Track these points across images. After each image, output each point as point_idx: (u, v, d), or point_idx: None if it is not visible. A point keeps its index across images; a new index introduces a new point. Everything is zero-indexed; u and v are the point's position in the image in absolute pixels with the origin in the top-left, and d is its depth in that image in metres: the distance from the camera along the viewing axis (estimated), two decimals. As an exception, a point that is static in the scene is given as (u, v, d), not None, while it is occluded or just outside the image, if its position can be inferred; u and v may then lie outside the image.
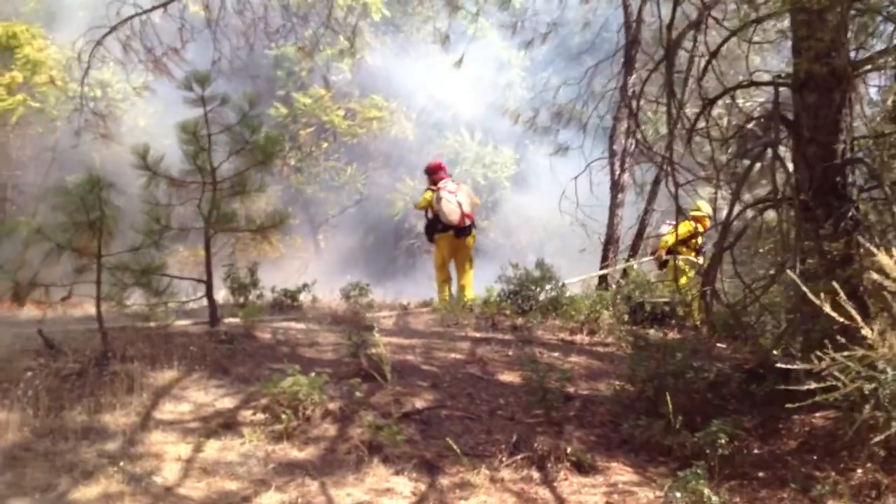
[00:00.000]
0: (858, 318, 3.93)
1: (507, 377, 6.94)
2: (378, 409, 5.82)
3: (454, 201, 11.07)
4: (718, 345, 6.53)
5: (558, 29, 15.82)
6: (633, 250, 13.94)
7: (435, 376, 6.65)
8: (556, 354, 7.80)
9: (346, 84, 23.63)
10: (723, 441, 5.12)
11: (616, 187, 13.87)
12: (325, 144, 23.78)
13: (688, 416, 5.50)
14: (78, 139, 11.68)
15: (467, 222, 11.21)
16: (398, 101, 23.73)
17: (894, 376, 4.11)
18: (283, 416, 5.43)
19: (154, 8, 8.45)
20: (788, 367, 4.83)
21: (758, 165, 6.52)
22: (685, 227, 11.14)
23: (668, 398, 5.45)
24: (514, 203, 23.59)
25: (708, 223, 11.24)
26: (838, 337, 5.53)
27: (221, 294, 9.35)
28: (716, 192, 6.06)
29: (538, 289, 9.56)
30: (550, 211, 18.93)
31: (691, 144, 6.94)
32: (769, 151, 5.93)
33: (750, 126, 6.37)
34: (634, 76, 14.07)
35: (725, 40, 6.68)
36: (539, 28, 15.72)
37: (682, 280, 10.28)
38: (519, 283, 9.72)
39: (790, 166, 6.08)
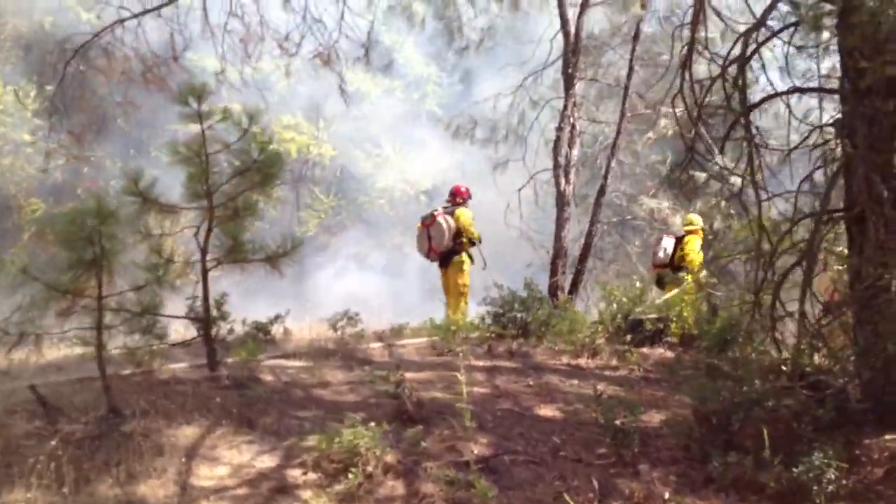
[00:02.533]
0: None
1: (546, 411, 6.45)
2: (436, 459, 5.23)
3: (424, 235, 10.99)
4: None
5: (490, 35, 15.39)
6: (581, 262, 13.70)
7: (475, 415, 6.05)
8: (574, 382, 7.37)
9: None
10: (831, 476, 4.79)
11: (562, 200, 13.55)
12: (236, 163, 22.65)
13: (772, 449, 5.15)
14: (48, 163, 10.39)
15: (433, 257, 11.09)
16: (319, 123, 22.97)
17: None
18: (351, 475, 4.77)
19: (146, 11, 7.48)
20: None
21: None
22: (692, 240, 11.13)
23: (765, 431, 5.08)
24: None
25: (701, 236, 11.18)
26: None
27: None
28: (795, 206, 5.66)
29: (528, 310, 9.07)
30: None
31: (724, 152, 6.56)
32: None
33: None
34: (578, 84, 13.91)
35: (765, 41, 6.33)
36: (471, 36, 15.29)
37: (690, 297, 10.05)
38: (503, 304, 9.22)
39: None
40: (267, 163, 6.61)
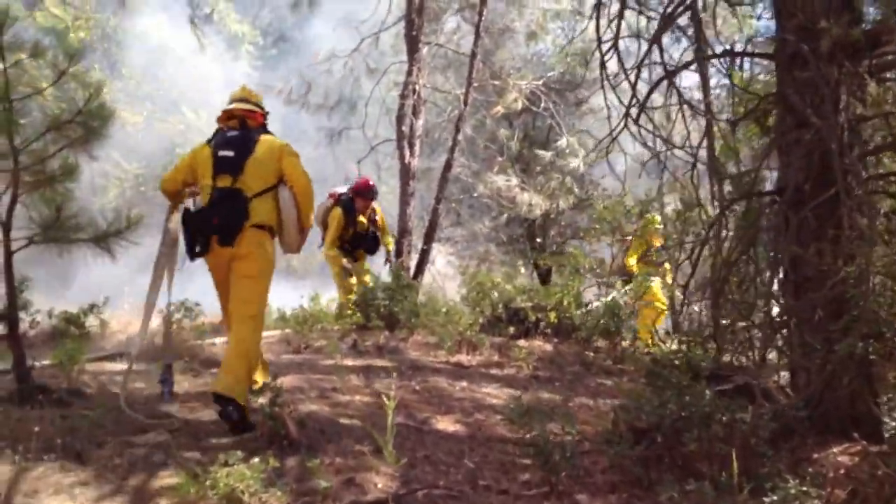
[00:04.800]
0: None
1: (446, 425, 5.39)
2: (335, 499, 4.07)
3: None
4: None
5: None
6: (427, 242, 12.67)
7: (369, 436, 4.91)
8: (463, 384, 6.37)
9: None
10: (815, 509, 4.04)
11: (407, 173, 12.44)
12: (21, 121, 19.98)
13: (731, 472, 4.35)
14: None
15: None
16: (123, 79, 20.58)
17: None
18: (232, 534, 3.55)
19: None
20: None
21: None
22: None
23: (733, 453, 4.26)
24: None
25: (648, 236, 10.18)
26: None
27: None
28: (753, 183, 4.85)
29: (393, 299, 7.97)
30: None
31: (639, 125, 5.65)
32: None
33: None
34: (426, 49, 12.90)
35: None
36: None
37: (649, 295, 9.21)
38: (366, 292, 8.10)
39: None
40: (93, 115, 5.17)
